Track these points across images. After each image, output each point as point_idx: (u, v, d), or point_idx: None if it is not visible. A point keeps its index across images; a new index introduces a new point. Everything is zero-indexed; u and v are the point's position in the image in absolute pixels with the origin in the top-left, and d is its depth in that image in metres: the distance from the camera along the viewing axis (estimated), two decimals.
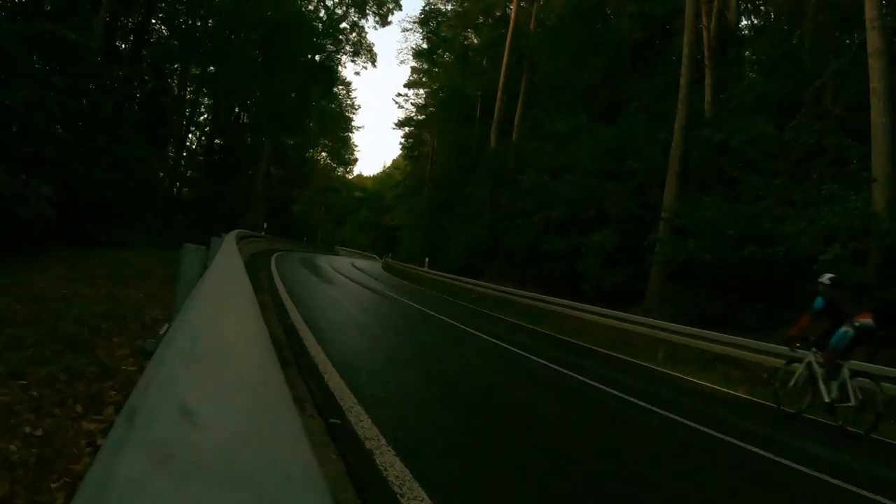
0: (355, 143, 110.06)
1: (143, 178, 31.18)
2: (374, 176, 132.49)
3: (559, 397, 8.89)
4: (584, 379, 10.34)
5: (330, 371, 7.69)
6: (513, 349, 12.78)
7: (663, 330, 15.41)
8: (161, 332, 5.69)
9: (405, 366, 9.45)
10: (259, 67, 46.31)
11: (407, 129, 75.86)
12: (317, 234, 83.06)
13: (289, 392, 1.15)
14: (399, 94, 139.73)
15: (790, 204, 18.44)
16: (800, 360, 10.15)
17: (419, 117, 72.98)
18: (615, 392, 9.51)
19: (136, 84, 34.09)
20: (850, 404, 9.08)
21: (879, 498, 5.93)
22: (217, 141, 49.33)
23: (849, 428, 8.94)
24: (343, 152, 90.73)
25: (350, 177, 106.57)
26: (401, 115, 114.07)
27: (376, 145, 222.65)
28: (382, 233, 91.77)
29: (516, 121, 42.23)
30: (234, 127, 49.98)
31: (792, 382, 10.06)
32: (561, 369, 11.02)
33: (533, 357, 12.01)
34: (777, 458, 6.84)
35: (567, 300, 20.99)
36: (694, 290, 20.20)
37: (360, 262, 54.87)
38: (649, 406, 8.81)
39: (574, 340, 16.18)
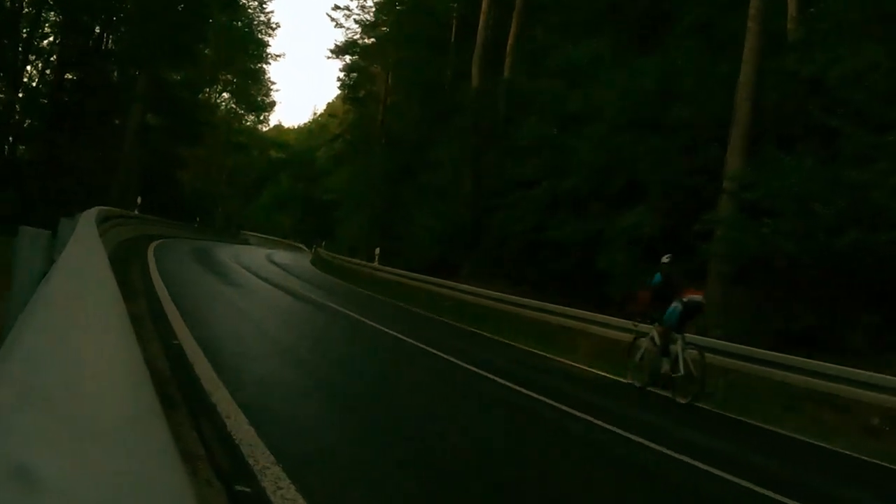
0: (272, 79, 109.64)
1: None
2: (299, 128, 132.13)
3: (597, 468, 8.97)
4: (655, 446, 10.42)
5: (235, 415, 7.66)
6: (519, 389, 12.82)
7: (726, 354, 15.53)
8: None
9: (347, 408, 9.46)
10: None
11: (348, 58, 75.56)
12: (215, 213, 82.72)
13: (174, 445, 1.12)
14: (337, 8, 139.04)
15: None
16: (646, 335, 14.57)
17: (366, 41, 72.77)
18: (675, 455, 9.57)
19: None
20: (679, 375, 13.44)
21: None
22: (69, 76, 48.74)
23: (679, 399, 13.30)
24: (254, 93, 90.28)
25: (265, 129, 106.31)
26: (339, 37, 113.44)
27: (303, 83, 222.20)
28: (312, 211, 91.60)
29: (509, 48, 42.01)
30: (94, 55, 49.44)
31: (638, 356, 14.71)
32: (596, 422, 11.07)
33: (547, 401, 12.05)
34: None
35: (581, 310, 21.07)
36: (772, 295, 20.30)
37: (281, 255, 54.78)
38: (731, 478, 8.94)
39: (599, 372, 16.33)
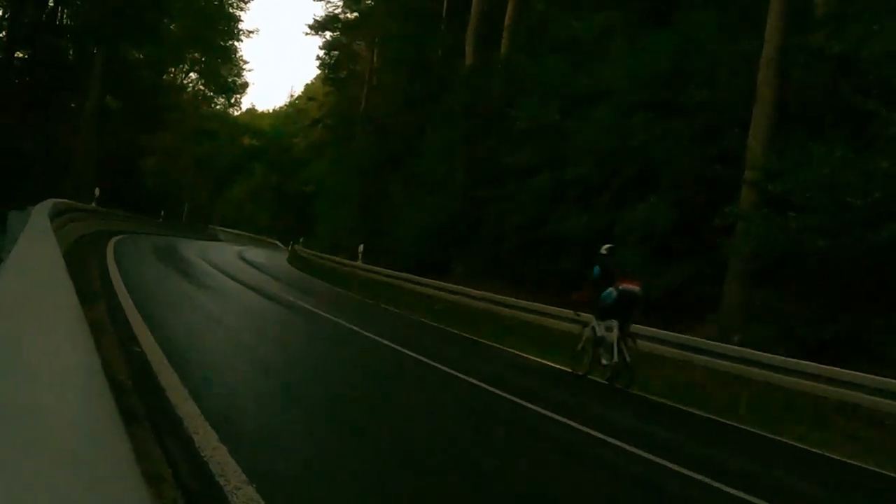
0: (244, 58, 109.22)
1: None
2: (274, 112, 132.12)
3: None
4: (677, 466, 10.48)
5: (203, 430, 7.63)
6: (512, 399, 12.84)
7: (750, 363, 15.52)
8: None
9: (326, 422, 9.51)
10: None
11: (329, 34, 75.69)
12: (182, 206, 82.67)
13: (136, 465, 1.11)
14: None
15: None
16: (588, 325, 16.36)
17: (348, 16, 72.81)
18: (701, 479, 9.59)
19: None
20: (615, 362, 15.12)
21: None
22: (19, 54, 48.70)
23: (617, 385, 15.15)
24: (224, 73, 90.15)
25: (237, 114, 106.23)
26: (319, 11, 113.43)
27: (279, 62, 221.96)
28: (289, 205, 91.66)
29: (507, 21, 42.06)
30: (47, 31, 49.37)
31: (580, 346, 16.55)
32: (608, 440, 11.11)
33: (534, 408, 12.09)
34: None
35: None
36: (799, 297, 20.30)
37: (254, 253, 54.79)
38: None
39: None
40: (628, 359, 15.15)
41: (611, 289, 15.49)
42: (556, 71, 31.39)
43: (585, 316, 16.66)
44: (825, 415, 14.30)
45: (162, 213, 69.81)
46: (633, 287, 15.52)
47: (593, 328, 15.94)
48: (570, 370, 16.48)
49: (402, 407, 11.68)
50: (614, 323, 15.45)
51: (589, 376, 15.87)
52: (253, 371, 11.67)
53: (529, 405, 12.25)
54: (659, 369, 17.24)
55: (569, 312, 21.71)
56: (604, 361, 15.44)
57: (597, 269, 16.18)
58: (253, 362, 12.46)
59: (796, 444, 12.23)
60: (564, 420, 11.33)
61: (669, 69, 26.22)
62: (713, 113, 24.74)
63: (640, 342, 16.33)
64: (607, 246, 16.72)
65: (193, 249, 43.81)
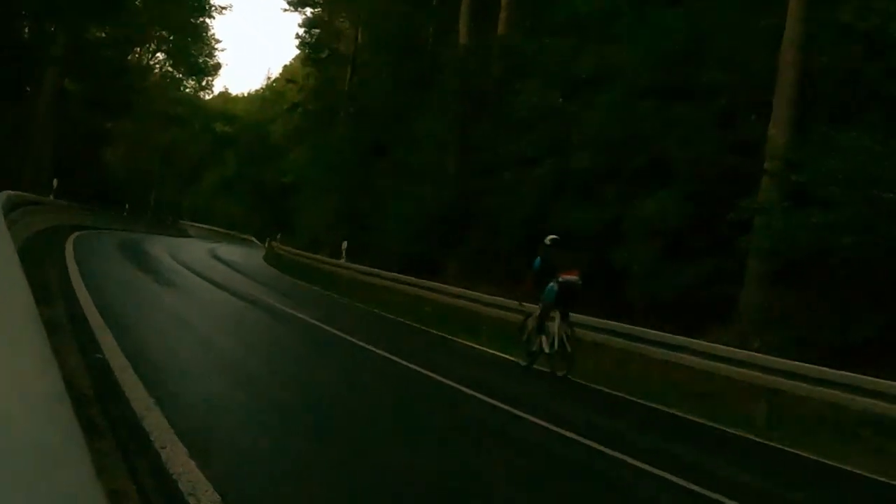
0: (216, 36, 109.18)
1: None
2: (250, 96, 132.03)
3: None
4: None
5: (172, 444, 7.62)
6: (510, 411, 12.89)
7: (768, 370, 15.52)
8: None
9: (305, 436, 9.51)
10: None
11: (309, 11, 75.62)
12: (149, 199, 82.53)
13: (98, 483, 1.10)
14: None
15: None
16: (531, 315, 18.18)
17: None
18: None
19: None
20: (555, 350, 16.98)
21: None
22: None
23: (557, 372, 17.00)
24: (195, 53, 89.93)
25: (208, 98, 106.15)
26: None
27: (255, 41, 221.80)
28: (266, 198, 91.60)
29: None
30: (1, 8, 49.31)
31: (525, 336, 18.29)
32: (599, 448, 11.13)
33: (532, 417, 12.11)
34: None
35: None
36: (824, 299, 20.31)
37: (227, 250, 54.87)
38: None
39: (624, 395, 16.37)
40: (569, 347, 17.12)
41: (552, 283, 17.33)
42: (558, 51, 31.32)
43: (529, 306, 18.63)
44: (850, 427, 14.32)
45: (127, 206, 69.58)
46: (573, 277, 17.36)
47: (538, 318, 17.73)
48: (515, 358, 18.61)
49: (378, 409, 11.78)
50: (556, 313, 17.37)
51: (534, 365, 17.68)
52: (227, 379, 11.67)
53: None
54: (670, 377, 17.31)
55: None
56: (546, 350, 17.21)
57: (538, 260, 18.12)
58: (227, 369, 12.47)
59: (819, 459, 12.24)
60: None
61: (682, 49, 26.13)
62: (730, 97, 24.70)
63: (653, 349, 17.72)
64: (551, 237, 18.36)
65: (161, 246, 43.83)
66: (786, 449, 12.71)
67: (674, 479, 9.52)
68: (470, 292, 27.15)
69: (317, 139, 69.27)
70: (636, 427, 13.76)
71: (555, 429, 11.61)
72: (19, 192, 29.30)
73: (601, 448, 10.76)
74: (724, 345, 17.47)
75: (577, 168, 28.40)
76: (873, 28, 20.87)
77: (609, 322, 19.83)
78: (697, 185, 24.45)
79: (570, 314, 17.95)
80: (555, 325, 17.23)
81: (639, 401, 15.65)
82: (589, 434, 11.44)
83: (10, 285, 2.83)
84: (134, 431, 7.92)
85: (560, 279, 17.28)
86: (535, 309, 18.17)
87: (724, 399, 16.17)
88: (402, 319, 24.66)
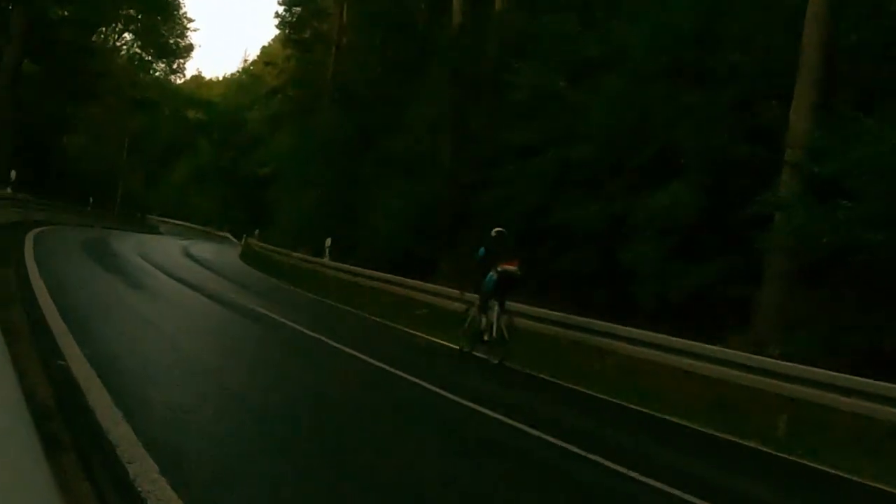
0: (189, 15, 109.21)
1: None
2: (225, 80, 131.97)
3: None
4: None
5: (140, 459, 7.60)
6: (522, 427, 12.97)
7: (790, 379, 15.53)
8: None
9: (284, 450, 9.50)
10: None
11: None
12: (115, 193, 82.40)
13: (60, 501, 1.11)
14: None
15: None
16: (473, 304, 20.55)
17: None
18: None
19: None
20: (493, 338, 19.13)
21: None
22: None
23: (493, 360, 18.97)
24: (165, 33, 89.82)
25: (180, 82, 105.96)
26: None
27: (231, 20, 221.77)
28: (242, 191, 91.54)
29: None
30: None
31: (466, 324, 20.54)
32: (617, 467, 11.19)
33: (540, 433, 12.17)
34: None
35: (599, 321, 21.12)
36: (849, 301, 20.29)
37: (201, 248, 54.84)
38: None
39: (624, 403, 16.38)
40: (506, 335, 19.27)
41: (491, 273, 19.54)
42: (561, 32, 31.28)
43: (470, 296, 21.25)
44: (879, 440, 14.29)
45: (91, 200, 69.45)
46: (511, 268, 19.55)
47: (478, 307, 20.15)
48: (458, 347, 20.75)
49: (363, 419, 11.77)
50: (494, 302, 19.59)
51: (473, 352, 19.99)
52: (199, 387, 11.66)
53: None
54: (683, 386, 17.30)
55: (574, 318, 21.86)
56: (485, 338, 19.52)
57: (482, 250, 20.29)
58: (198, 376, 12.47)
59: (844, 476, 12.23)
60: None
61: (696, 28, 26.03)
62: (747, 81, 24.52)
63: (665, 355, 18.82)
64: (497, 230, 20.55)
65: (130, 244, 43.83)
66: (804, 463, 12.74)
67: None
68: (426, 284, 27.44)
69: (298, 127, 69.29)
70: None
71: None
72: None
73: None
74: (741, 350, 17.52)
75: (581, 158, 28.20)
76: None
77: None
78: (710, 177, 24.32)
79: (508, 302, 20.06)
80: (493, 314, 19.41)
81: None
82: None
83: None
84: (98, 445, 7.91)
85: (499, 269, 19.38)
86: (475, 298, 20.46)
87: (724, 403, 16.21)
88: (389, 322, 24.66)
